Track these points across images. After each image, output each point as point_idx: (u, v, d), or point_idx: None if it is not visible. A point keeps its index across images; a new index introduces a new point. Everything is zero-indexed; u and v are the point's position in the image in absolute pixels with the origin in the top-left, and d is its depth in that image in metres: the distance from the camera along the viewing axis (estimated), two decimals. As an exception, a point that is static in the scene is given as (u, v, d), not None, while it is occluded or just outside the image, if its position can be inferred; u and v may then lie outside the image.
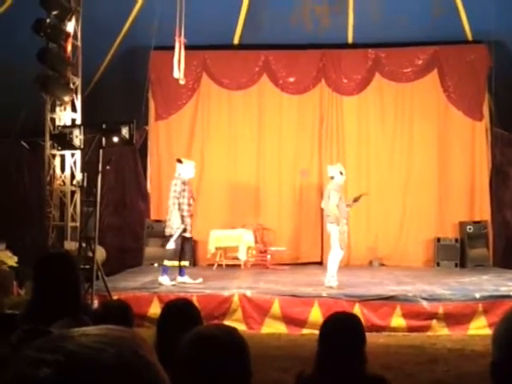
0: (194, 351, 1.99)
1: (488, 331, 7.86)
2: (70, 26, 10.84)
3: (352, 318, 3.07)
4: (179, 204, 9.50)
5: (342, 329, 2.86)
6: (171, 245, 9.55)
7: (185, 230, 9.57)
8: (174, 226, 9.50)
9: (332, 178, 9.46)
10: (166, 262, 9.61)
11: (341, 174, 9.41)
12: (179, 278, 9.71)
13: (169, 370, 0.81)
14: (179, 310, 3.02)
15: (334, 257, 9.33)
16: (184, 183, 9.62)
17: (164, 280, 9.50)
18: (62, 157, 11.17)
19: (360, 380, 2.79)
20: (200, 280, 9.81)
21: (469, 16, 12.48)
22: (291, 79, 13.50)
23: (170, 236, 9.57)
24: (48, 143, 10.89)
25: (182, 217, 9.49)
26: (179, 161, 9.92)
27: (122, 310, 3.57)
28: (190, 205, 9.62)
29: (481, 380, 5.65)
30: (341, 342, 2.79)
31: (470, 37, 13.05)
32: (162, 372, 0.76)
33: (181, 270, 9.80)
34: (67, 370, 0.68)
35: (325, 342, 2.84)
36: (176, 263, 9.65)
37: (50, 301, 2.71)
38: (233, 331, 2.10)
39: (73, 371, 0.68)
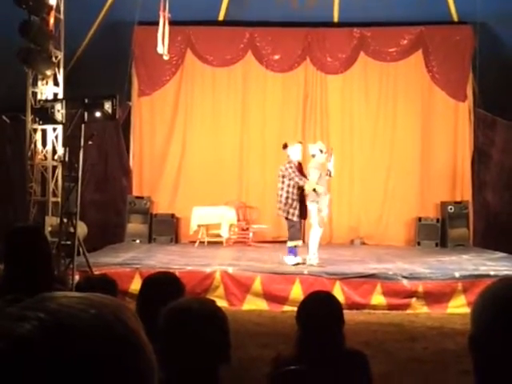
0: (171, 323, 2.00)
1: (467, 310, 7.95)
2: (53, -1, 10.69)
3: (329, 298, 3.08)
4: (293, 186, 9.37)
5: (320, 309, 2.87)
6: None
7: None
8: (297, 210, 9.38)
9: (313, 156, 9.50)
10: (290, 243, 9.50)
11: (321, 151, 9.44)
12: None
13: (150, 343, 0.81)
14: (161, 283, 2.99)
15: (314, 235, 9.39)
16: (294, 166, 9.48)
17: (291, 260, 9.40)
18: (44, 131, 11.06)
19: (339, 356, 2.81)
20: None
21: (455, -3, 12.48)
22: (276, 57, 13.43)
23: (289, 220, 9.45)
24: (29, 117, 10.77)
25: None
26: (285, 146, 9.65)
27: (106, 284, 3.51)
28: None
29: (459, 357, 5.74)
30: (319, 322, 2.80)
31: (455, 18, 13.04)
32: (144, 338, 0.76)
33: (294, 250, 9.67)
34: (47, 327, 0.69)
35: (303, 323, 2.85)
36: (300, 242, 9.57)
37: (22, 272, 2.71)
38: (210, 303, 2.11)
39: (53, 328, 0.69)
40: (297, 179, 9.28)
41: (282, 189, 9.41)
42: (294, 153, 9.57)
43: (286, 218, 9.51)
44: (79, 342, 0.69)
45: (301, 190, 9.40)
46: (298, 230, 9.53)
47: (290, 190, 9.36)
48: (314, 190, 9.17)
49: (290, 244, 9.50)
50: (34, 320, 0.69)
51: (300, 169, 9.56)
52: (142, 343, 0.75)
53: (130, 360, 0.73)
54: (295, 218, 9.41)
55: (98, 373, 0.69)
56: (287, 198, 9.37)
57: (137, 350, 0.74)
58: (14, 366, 0.67)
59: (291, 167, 9.38)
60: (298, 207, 9.36)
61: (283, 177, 9.43)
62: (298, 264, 9.32)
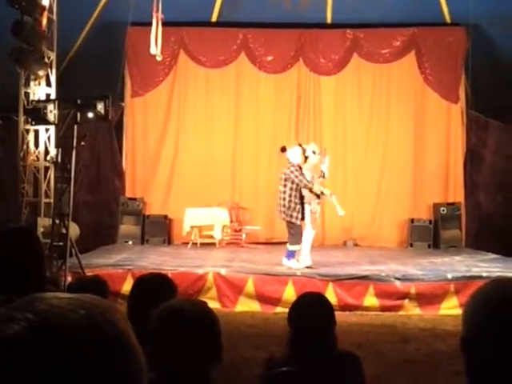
0: (163, 324, 1.99)
1: (459, 311, 7.96)
2: (46, 0, 10.66)
3: (321, 299, 3.07)
4: (296, 190, 9.29)
5: (312, 310, 2.86)
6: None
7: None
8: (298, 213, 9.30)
9: (306, 157, 9.48)
10: (293, 247, 9.38)
11: (314, 153, 9.43)
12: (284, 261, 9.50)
13: (140, 345, 0.80)
14: (152, 284, 2.97)
15: (306, 236, 9.36)
16: (298, 169, 9.36)
17: (293, 264, 9.26)
18: (36, 132, 11.02)
19: (331, 358, 2.81)
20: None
21: (447, -2, 12.51)
22: (269, 58, 13.44)
23: (292, 223, 9.33)
24: (22, 118, 10.73)
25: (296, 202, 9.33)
26: (283, 149, 9.52)
27: (97, 285, 3.51)
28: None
29: (451, 359, 5.74)
30: (311, 324, 2.79)
31: (448, 19, 13.06)
32: (133, 340, 0.76)
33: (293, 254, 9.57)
34: (36, 328, 0.69)
35: (295, 324, 2.85)
36: (299, 247, 9.42)
37: (14, 274, 2.70)
38: (202, 304, 2.11)
39: (41, 328, 0.69)
40: (305, 182, 9.17)
41: (285, 192, 9.31)
42: (294, 156, 9.44)
43: (290, 222, 9.39)
44: (68, 342, 0.69)
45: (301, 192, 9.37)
46: (300, 234, 9.46)
47: (293, 193, 9.29)
48: (321, 192, 9.19)
49: (293, 248, 9.40)
50: (23, 321, 0.69)
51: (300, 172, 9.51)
52: (131, 344, 0.75)
53: (119, 361, 0.73)
54: (298, 222, 9.33)
55: (86, 373, 0.69)
56: (290, 201, 9.30)
57: (126, 350, 0.74)
58: (2, 367, 0.67)
59: (297, 170, 9.29)
60: (300, 210, 9.32)
61: (285, 180, 9.31)
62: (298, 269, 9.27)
